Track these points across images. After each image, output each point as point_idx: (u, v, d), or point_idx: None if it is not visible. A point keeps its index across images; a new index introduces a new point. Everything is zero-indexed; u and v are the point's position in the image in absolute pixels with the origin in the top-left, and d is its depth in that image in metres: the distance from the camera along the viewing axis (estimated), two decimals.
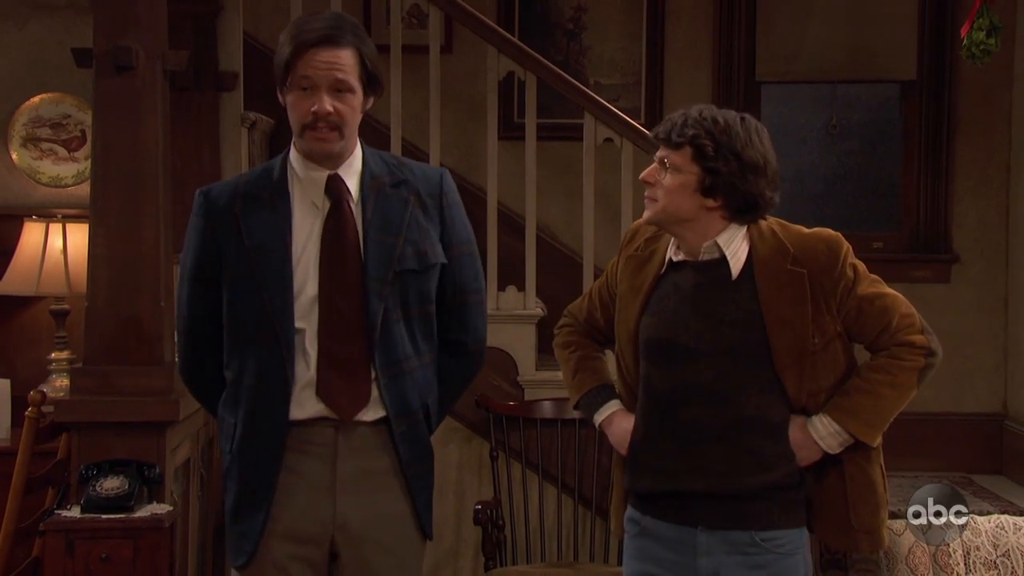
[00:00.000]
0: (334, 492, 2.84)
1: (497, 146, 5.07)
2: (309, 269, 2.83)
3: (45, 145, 5.29)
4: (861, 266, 2.92)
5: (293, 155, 2.91)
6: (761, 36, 5.96)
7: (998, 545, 3.99)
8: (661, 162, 2.86)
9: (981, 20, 4.56)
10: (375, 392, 2.86)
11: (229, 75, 5.01)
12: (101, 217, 3.97)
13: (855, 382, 2.90)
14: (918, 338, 2.93)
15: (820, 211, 6.07)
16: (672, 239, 2.95)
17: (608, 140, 5.00)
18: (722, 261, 2.88)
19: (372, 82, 2.85)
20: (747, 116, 2.89)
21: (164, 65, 4.02)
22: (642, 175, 2.90)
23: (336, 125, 2.81)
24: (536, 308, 5.08)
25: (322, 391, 2.82)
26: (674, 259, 2.93)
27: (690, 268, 2.90)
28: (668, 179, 2.84)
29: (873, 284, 2.93)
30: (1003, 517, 4.11)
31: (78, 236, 4.92)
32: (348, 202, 2.87)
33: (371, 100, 2.90)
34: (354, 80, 2.81)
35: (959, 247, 5.92)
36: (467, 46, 5.65)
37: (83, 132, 5.24)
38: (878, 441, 2.92)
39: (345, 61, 2.80)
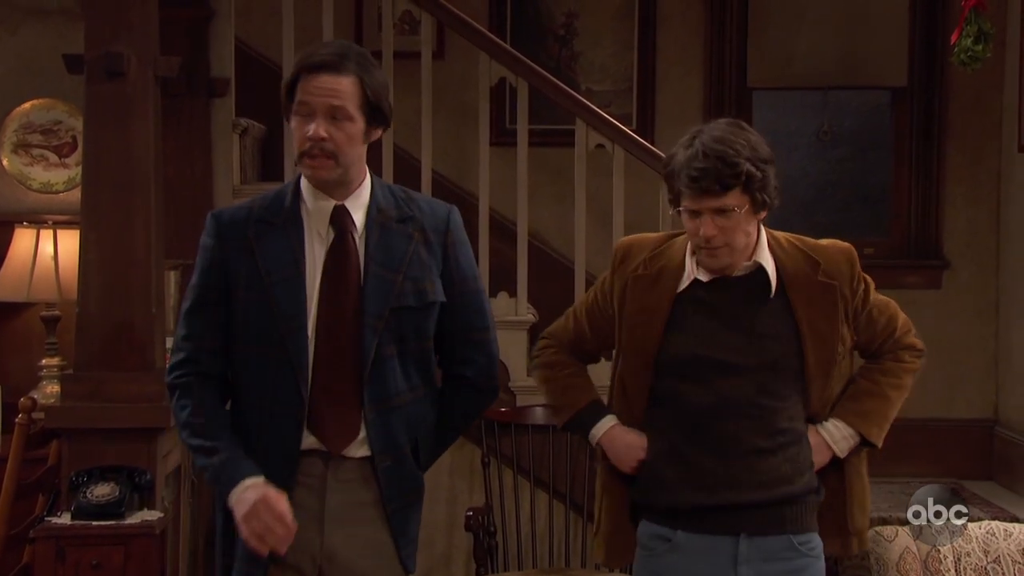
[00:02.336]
0: (323, 523, 2.82)
1: (489, 152, 5.07)
2: (312, 299, 2.80)
3: (36, 151, 5.28)
4: (867, 276, 2.98)
5: (303, 182, 2.87)
6: (752, 42, 5.96)
7: (989, 551, 4.00)
8: (717, 212, 2.78)
9: (969, 27, 4.57)
10: (363, 428, 2.83)
11: (221, 81, 5.01)
12: (92, 223, 3.97)
13: (863, 385, 2.97)
14: (917, 341, 3.05)
15: (811, 217, 6.07)
16: (688, 255, 2.92)
17: (600, 146, 5.00)
18: (754, 275, 2.88)
19: (375, 112, 2.81)
20: (732, 120, 2.88)
21: (156, 71, 4.03)
22: (704, 232, 2.78)
23: (331, 153, 2.76)
24: (528, 314, 5.08)
25: (312, 423, 2.80)
26: (702, 279, 2.90)
27: (720, 283, 2.89)
28: (729, 222, 2.78)
29: (880, 299, 3.01)
30: (994, 523, 4.11)
31: (69, 242, 4.91)
32: (352, 234, 2.84)
33: (377, 132, 2.86)
34: (353, 108, 2.77)
35: (950, 253, 5.93)
36: (459, 52, 5.65)
37: (74, 138, 5.23)
38: (875, 447, 2.98)
39: (344, 88, 2.76)
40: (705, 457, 2.87)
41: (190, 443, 2.86)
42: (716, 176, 2.75)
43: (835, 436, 2.93)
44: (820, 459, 2.93)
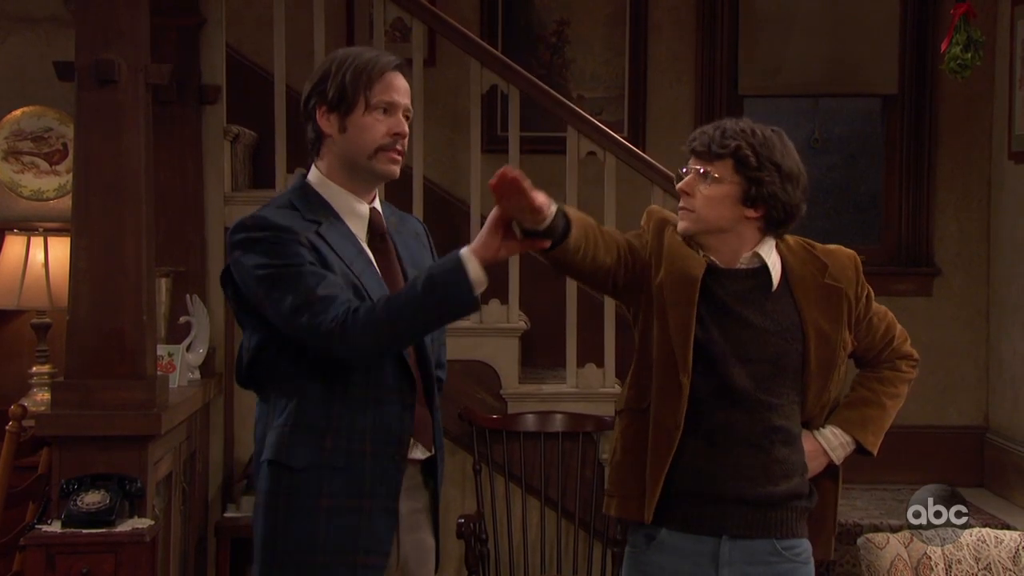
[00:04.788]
0: (398, 532, 2.81)
1: (480, 159, 5.07)
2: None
3: (27, 158, 5.27)
4: (868, 284, 3.01)
5: (326, 187, 2.81)
6: (743, 50, 5.97)
7: (980, 558, 4.00)
8: (699, 173, 2.85)
9: (959, 35, 4.59)
10: (432, 424, 2.86)
11: (212, 88, 5.00)
12: (83, 230, 3.97)
13: (862, 394, 3.03)
14: (913, 351, 3.09)
15: (802, 224, 6.05)
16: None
17: (591, 153, 5.01)
18: (760, 271, 2.90)
19: None
20: (777, 128, 2.92)
21: (147, 78, 4.02)
22: (679, 185, 2.88)
23: (403, 150, 2.82)
24: (519, 321, 5.08)
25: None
26: (713, 263, 2.89)
27: (728, 276, 2.90)
28: (707, 189, 2.84)
29: (880, 307, 3.05)
30: (984, 530, 4.12)
31: (60, 250, 4.91)
32: (388, 235, 2.86)
33: None
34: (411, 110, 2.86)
35: (941, 260, 5.94)
36: (450, 59, 5.66)
37: (65, 145, 5.23)
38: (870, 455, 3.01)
39: (409, 90, 2.84)
40: (700, 443, 2.86)
41: (388, 317, 2.63)
42: (709, 140, 2.83)
43: (832, 443, 2.96)
44: (816, 465, 2.95)
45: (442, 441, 2.93)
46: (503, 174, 2.52)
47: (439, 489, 2.91)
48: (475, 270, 2.62)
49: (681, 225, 2.90)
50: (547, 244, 2.67)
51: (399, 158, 2.81)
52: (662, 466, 2.88)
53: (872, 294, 3.00)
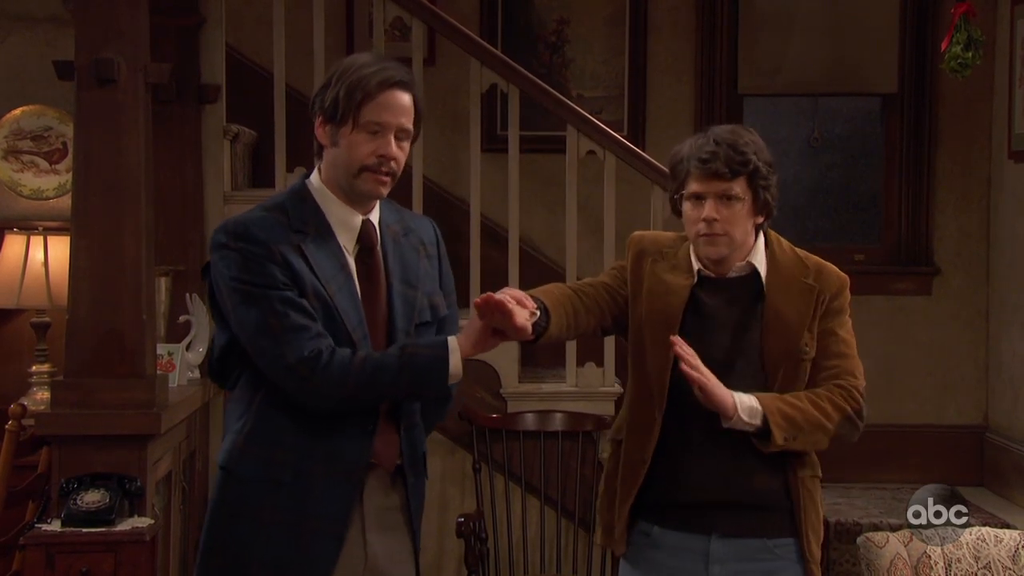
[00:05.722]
0: (364, 531, 2.80)
1: (480, 158, 5.07)
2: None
3: (26, 157, 5.27)
4: (850, 317, 2.99)
5: (323, 194, 2.80)
6: (743, 49, 5.97)
7: (979, 557, 4.00)
8: (723, 196, 2.84)
9: (959, 35, 4.59)
10: (399, 442, 2.84)
11: (212, 87, 5.01)
12: (83, 229, 3.97)
13: (791, 393, 2.88)
14: (856, 393, 2.92)
15: (802, 224, 6.07)
16: (692, 255, 2.95)
17: (591, 152, 5.01)
18: (747, 280, 2.92)
19: (417, 130, 2.82)
20: (740, 124, 2.96)
21: (146, 78, 4.02)
22: (707, 213, 2.84)
23: (394, 172, 2.77)
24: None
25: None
26: (706, 274, 2.93)
27: (718, 284, 2.92)
28: (732, 209, 2.85)
29: (849, 338, 2.97)
30: (984, 529, 4.11)
31: (59, 249, 4.91)
32: (378, 250, 2.83)
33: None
34: (412, 128, 2.79)
35: (940, 260, 5.93)
36: (450, 59, 5.66)
37: (65, 144, 5.23)
38: (770, 447, 2.84)
39: (410, 107, 2.77)
40: (689, 455, 2.90)
41: (359, 380, 2.68)
42: (726, 160, 2.83)
43: (744, 402, 2.81)
44: (720, 409, 2.81)
45: (420, 455, 2.89)
46: (488, 298, 2.59)
47: (410, 498, 2.87)
48: (456, 364, 2.71)
49: (713, 251, 2.88)
50: (531, 338, 2.74)
51: (386, 179, 2.76)
52: (628, 499, 2.96)
53: (845, 321, 2.97)
